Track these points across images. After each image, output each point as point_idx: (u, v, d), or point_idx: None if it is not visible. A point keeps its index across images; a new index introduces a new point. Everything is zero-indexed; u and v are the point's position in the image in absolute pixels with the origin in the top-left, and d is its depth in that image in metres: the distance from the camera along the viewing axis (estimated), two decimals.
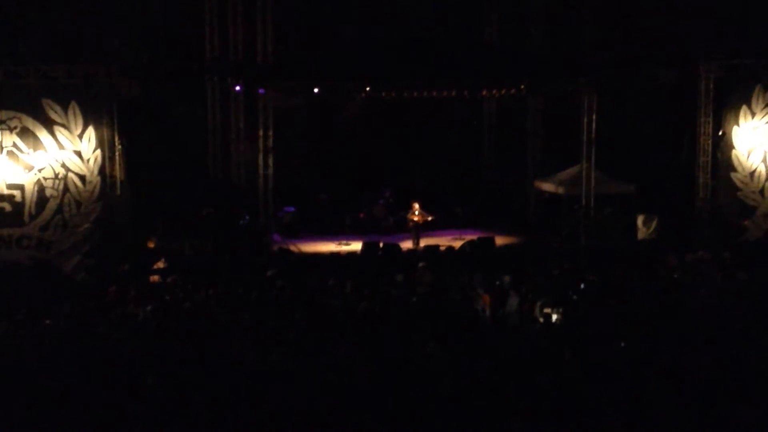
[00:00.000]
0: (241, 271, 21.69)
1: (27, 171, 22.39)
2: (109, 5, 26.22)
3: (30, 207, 22.46)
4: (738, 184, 25.90)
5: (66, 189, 22.64)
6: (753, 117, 25.74)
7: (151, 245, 24.54)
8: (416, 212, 25.77)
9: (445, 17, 29.14)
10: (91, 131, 22.63)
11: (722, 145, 26.05)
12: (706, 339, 14.44)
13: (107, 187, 22.91)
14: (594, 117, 25.50)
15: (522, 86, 26.60)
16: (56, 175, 22.55)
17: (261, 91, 24.98)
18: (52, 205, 22.58)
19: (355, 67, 25.14)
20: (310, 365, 13.34)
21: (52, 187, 22.56)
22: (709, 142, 26.09)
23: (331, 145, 30.33)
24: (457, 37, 28.74)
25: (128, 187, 23.59)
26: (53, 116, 22.40)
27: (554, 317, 16.37)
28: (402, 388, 12.47)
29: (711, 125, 26.00)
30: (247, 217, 25.56)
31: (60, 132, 22.46)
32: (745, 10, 26.74)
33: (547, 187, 27.97)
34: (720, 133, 26.01)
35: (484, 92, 27.74)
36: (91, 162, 22.74)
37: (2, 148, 22.21)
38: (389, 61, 24.99)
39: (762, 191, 25.71)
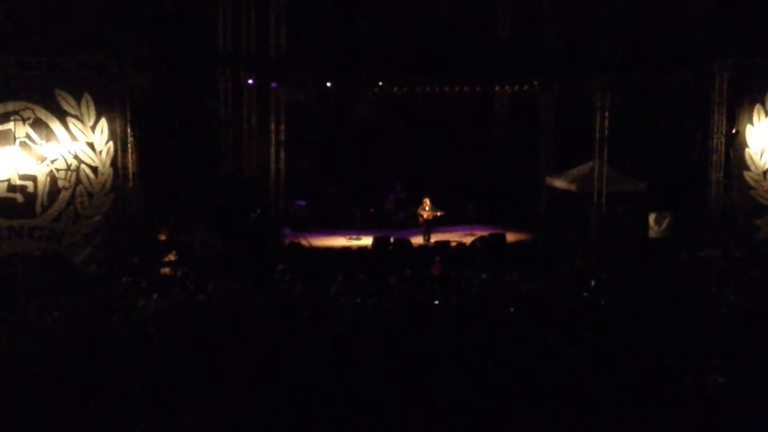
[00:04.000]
0: (252, 264, 21.70)
1: (39, 162, 22.45)
2: None
3: (42, 198, 22.52)
4: (751, 182, 25.83)
5: (78, 180, 22.69)
6: (767, 116, 25.65)
7: (162, 238, 24.57)
8: (427, 207, 25.77)
9: (457, 12, 29.06)
10: (103, 123, 22.69)
11: (735, 144, 26.00)
12: (716, 338, 14.40)
13: (119, 179, 22.96)
14: (606, 114, 25.44)
15: (534, 82, 26.56)
16: (68, 167, 22.61)
17: (273, 84, 24.99)
18: (64, 196, 22.64)
19: (367, 62, 25.12)
20: (319, 360, 13.34)
21: (65, 179, 22.62)
22: (722, 140, 26.03)
23: (343, 139, 30.33)
24: (469, 32, 28.67)
25: (140, 180, 23.63)
26: (66, 107, 22.46)
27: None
28: (411, 383, 12.48)
29: (724, 124, 25.95)
30: (258, 211, 25.57)
31: (73, 123, 22.52)
32: (760, 8, 26.60)
33: (559, 183, 27.89)
34: (733, 131, 25.95)
35: (497, 88, 27.69)
36: (104, 154, 22.80)
37: (15, 138, 22.26)
38: (402, 56, 24.95)
39: None
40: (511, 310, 16.35)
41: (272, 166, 25.10)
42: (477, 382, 12.51)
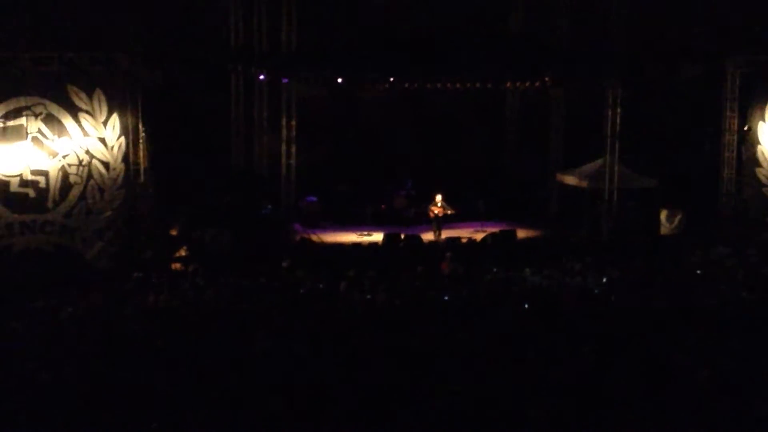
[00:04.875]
0: (262, 260, 21.74)
1: (51, 157, 22.50)
2: None
3: (54, 193, 22.56)
4: (763, 179, 25.77)
5: (90, 176, 22.74)
6: None
7: (174, 233, 24.64)
8: (438, 204, 25.75)
9: (469, 8, 29.01)
10: (115, 118, 22.74)
11: (747, 141, 25.93)
12: (727, 335, 14.38)
13: (131, 175, 23.01)
14: (618, 111, 25.40)
15: (546, 79, 26.54)
16: (80, 162, 22.66)
17: (285, 80, 25.01)
18: (75, 191, 22.69)
19: (378, 58, 25.14)
20: (329, 355, 13.37)
21: (76, 174, 22.66)
22: (734, 137, 25.97)
23: (354, 135, 30.30)
24: (481, 28, 28.65)
25: (151, 175, 23.68)
26: (78, 103, 22.51)
27: None
28: (420, 379, 12.49)
29: (736, 120, 25.89)
30: (269, 207, 25.61)
31: (84, 119, 22.57)
32: None
33: (570, 180, 27.85)
34: (745, 128, 25.88)
35: (508, 84, 27.69)
36: (115, 149, 22.85)
37: (27, 134, 22.30)
38: (413, 52, 24.96)
39: None
40: (523, 306, 16.36)
41: (283, 161, 25.13)
42: (487, 379, 12.52)
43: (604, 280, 18.73)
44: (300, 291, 18.07)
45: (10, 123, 22.19)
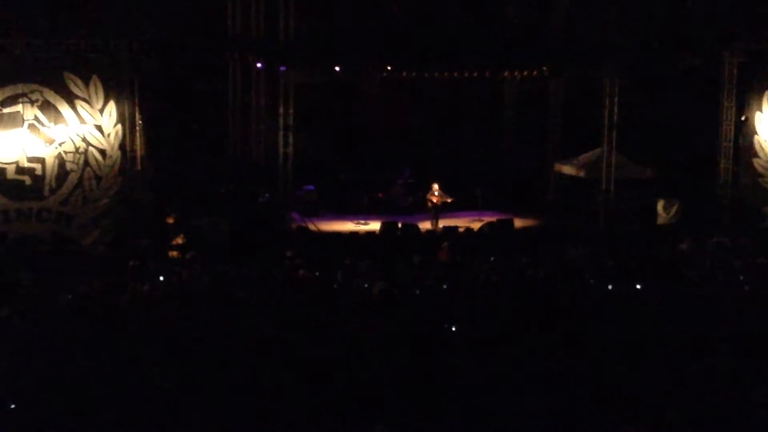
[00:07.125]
0: (259, 248, 21.73)
1: (48, 144, 22.47)
2: None
3: (50, 180, 22.54)
4: (759, 170, 25.75)
5: (86, 163, 22.71)
6: None
7: (171, 221, 24.62)
8: (436, 193, 25.74)
9: None
10: (112, 106, 22.70)
11: (744, 131, 25.92)
12: (723, 324, 14.40)
13: (127, 162, 22.98)
14: (615, 101, 25.40)
15: (544, 69, 26.50)
16: (77, 149, 22.62)
17: (282, 68, 24.96)
18: (72, 179, 22.66)
19: (376, 46, 25.08)
20: (327, 344, 13.36)
21: (73, 161, 22.63)
22: (732, 127, 25.96)
23: (352, 123, 30.27)
24: (479, 17, 28.58)
25: (148, 163, 23.66)
26: (75, 90, 22.46)
27: None
28: (417, 368, 12.49)
29: (734, 110, 25.87)
30: (266, 195, 25.59)
31: (81, 106, 22.53)
32: None
33: (567, 170, 27.88)
34: (742, 118, 25.87)
35: (506, 74, 27.65)
36: (112, 137, 22.81)
37: (23, 121, 22.27)
38: (411, 41, 24.92)
39: None
40: (519, 295, 16.36)
41: (280, 150, 25.07)
42: (484, 367, 12.53)
43: (601, 270, 18.73)
44: (296, 279, 18.06)
45: (7, 110, 22.16)
